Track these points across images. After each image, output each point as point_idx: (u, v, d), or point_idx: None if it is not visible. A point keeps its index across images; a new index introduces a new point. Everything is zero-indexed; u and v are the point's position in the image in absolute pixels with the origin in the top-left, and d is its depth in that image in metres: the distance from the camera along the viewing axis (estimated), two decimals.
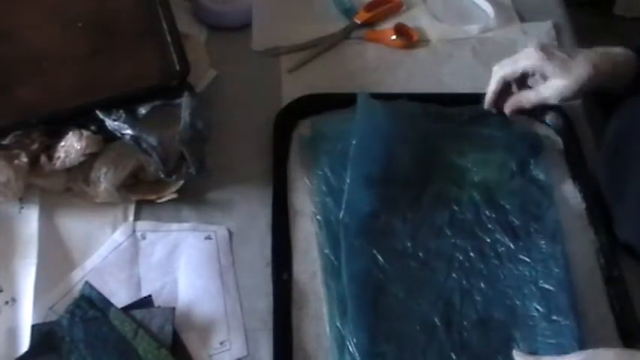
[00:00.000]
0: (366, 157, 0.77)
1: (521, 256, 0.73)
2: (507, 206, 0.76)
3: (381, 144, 0.78)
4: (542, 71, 0.75)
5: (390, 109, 0.80)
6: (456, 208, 0.76)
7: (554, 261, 0.72)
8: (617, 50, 0.76)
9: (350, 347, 0.66)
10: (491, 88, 0.79)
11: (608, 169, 0.76)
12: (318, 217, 0.75)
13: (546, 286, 0.71)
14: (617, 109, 0.76)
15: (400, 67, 0.91)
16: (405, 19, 0.96)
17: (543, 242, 0.74)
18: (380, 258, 0.72)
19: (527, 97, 0.78)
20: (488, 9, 0.98)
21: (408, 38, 0.94)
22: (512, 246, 0.73)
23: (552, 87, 0.75)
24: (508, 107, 0.79)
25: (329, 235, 0.73)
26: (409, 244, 0.73)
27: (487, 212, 0.75)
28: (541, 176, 0.79)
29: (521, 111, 0.79)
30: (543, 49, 0.75)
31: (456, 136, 0.81)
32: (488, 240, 0.74)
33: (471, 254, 0.73)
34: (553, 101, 0.76)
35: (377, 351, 0.66)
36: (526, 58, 0.76)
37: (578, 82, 0.74)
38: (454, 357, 0.67)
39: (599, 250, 0.74)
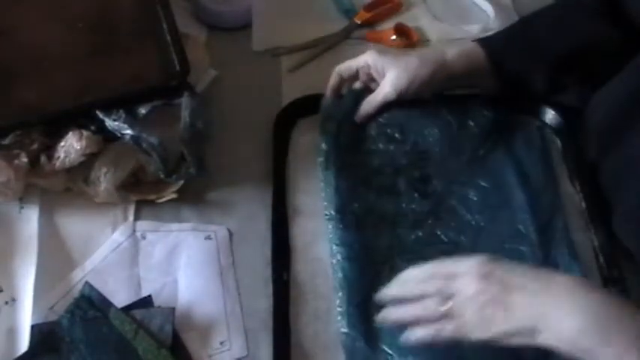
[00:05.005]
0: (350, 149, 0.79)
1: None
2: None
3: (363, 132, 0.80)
4: (376, 67, 0.78)
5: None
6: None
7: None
8: (471, 47, 0.79)
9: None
10: (329, 84, 0.82)
11: (608, 169, 0.76)
12: (329, 211, 0.74)
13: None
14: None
15: None
16: (405, 19, 0.96)
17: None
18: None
19: (369, 101, 0.80)
20: (488, 9, 0.98)
21: (408, 38, 0.94)
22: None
23: (386, 80, 0.78)
24: (359, 116, 0.80)
25: (336, 229, 0.73)
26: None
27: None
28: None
29: (370, 117, 0.80)
30: (380, 50, 0.81)
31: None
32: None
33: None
34: (391, 97, 0.78)
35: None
36: (363, 57, 0.79)
37: (409, 71, 0.76)
38: None
39: (598, 250, 0.74)
